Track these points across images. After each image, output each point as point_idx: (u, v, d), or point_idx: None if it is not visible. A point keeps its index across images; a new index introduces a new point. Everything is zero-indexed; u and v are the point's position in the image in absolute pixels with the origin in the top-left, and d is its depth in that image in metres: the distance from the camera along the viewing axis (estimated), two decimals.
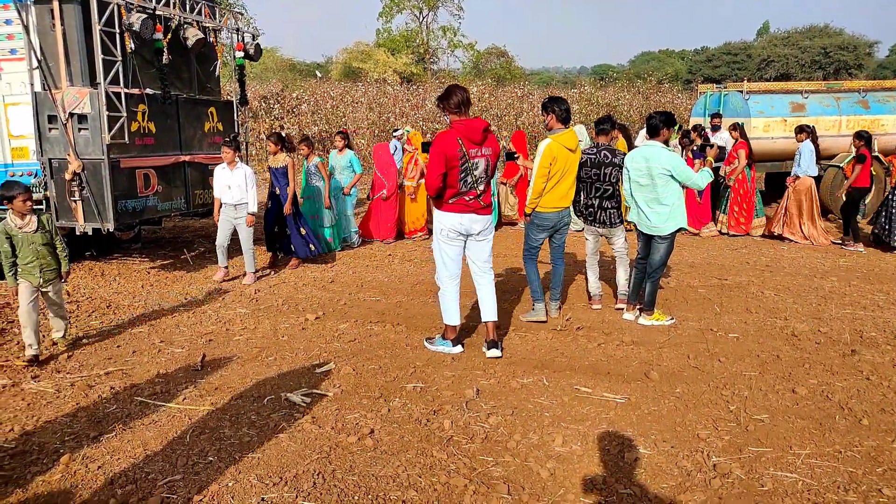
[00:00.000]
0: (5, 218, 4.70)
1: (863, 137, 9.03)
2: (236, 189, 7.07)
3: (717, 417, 3.86)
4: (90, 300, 6.43)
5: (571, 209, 5.87)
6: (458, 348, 4.94)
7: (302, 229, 7.81)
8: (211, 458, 3.36)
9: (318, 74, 31.40)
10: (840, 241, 9.19)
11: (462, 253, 4.93)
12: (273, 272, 7.72)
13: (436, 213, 4.87)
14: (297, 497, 3.01)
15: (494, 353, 4.81)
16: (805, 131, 9.25)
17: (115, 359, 4.86)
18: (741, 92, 11.63)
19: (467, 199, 4.71)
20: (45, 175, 6.89)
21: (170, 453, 3.42)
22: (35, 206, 7.66)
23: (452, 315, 4.95)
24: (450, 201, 4.71)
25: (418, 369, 4.60)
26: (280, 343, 5.20)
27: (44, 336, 5.12)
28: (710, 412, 3.93)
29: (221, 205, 7.19)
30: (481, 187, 4.73)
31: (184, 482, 3.14)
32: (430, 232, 9.45)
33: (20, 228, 4.68)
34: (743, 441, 3.57)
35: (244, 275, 7.33)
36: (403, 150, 9.92)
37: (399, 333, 5.42)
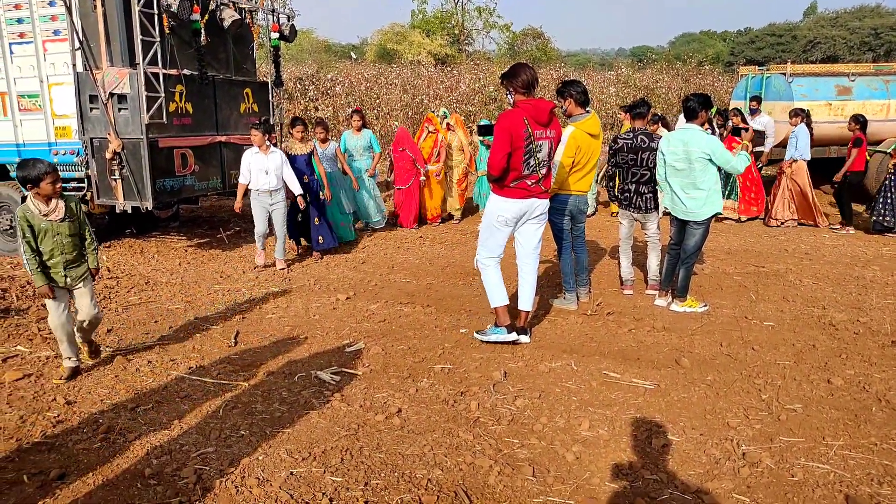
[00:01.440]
0: (25, 201, 3.95)
1: (859, 121, 8.95)
2: (273, 174, 6.83)
3: (748, 406, 3.80)
4: (129, 276, 6.60)
5: (605, 193, 5.80)
6: (514, 335, 4.71)
7: (316, 219, 7.54)
8: (243, 432, 3.44)
9: (353, 56, 31.40)
10: (837, 227, 9.12)
11: (509, 237, 4.80)
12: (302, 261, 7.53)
13: (493, 196, 4.66)
14: (324, 472, 3.07)
15: (524, 338, 4.78)
16: (799, 115, 9.10)
17: (152, 333, 5.00)
18: (784, 74, 11.28)
19: (529, 182, 4.53)
20: (86, 154, 7.07)
21: (203, 426, 3.51)
22: (71, 190, 7.72)
23: (500, 294, 4.76)
24: (511, 185, 4.53)
25: (447, 351, 4.63)
26: (311, 322, 5.28)
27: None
28: (742, 400, 3.87)
29: (251, 191, 6.92)
30: (543, 171, 4.56)
31: (216, 454, 3.22)
32: (447, 219, 9.57)
33: (44, 216, 3.90)
34: (774, 430, 3.51)
35: (274, 263, 7.17)
36: (427, 131, 9.51)
37: (429, 315, 5.45)
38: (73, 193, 4.10)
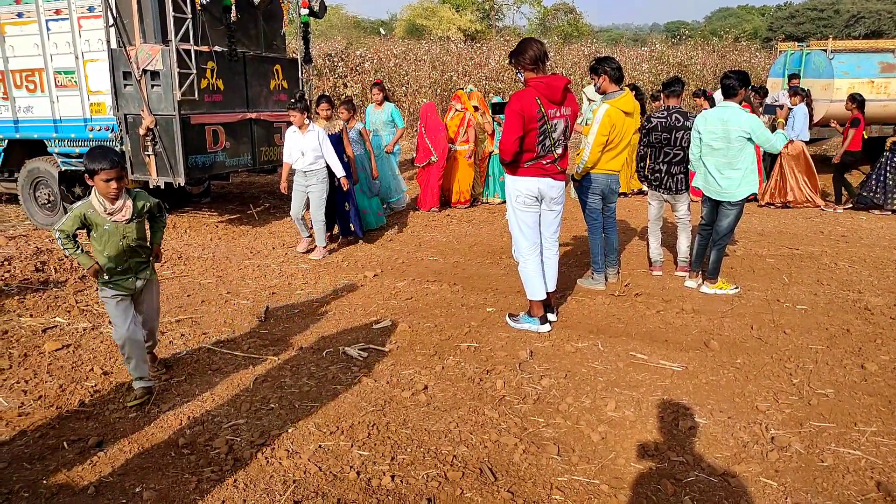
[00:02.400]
0: (88, 197, 3.41)
1: (856, 100, 8.80)
2: (310, 154, 6.50)
3: (778, 390, 3.75)
4: (163, 251, 6.71)
5: (636, 174, 5.71)
6: (547, 326, 4.63)
7: (346, 205, 7.14)
8: (272, 405, 3.52)
9: (383, 32, 31.24)
10: (832, 208, 9.03)
11: (539, 220, 4.64)
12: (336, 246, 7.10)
13: (509, 178, 4.55)
14: (352, 446, 3.12)
15: (550, 317, 4.74)
16: (799, 94, 8.83)
17: (185, 307, 5.11)
18: (825, 51, 10.93)
19: (544, 163, 4.39)
20: (120, 130, 7.18)
21: (234, 398, 3.59)
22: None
23: (538, 289, 4.63)
24: (525, 165, 4.38)
25: (473, 329, 4.65)
26: (339, 298, 5.33)
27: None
28: (772, 384, 3.82)
29: (296, 172, 6.66)
30: (559, 151, 4.40)
31: (247, 426, 3.30)
32: (474, 203, 9.30)
33: (109, 215, 3.38)
34: (804, 415, 3.47)
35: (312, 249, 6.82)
36: (454, 110, 9.13)
37: (455, 293, 5.46)
38: (138, 189, 3.50)
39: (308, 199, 6.67)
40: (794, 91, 9.05)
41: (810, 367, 4.06)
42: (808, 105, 8.99)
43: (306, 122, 6.52)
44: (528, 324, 4.66)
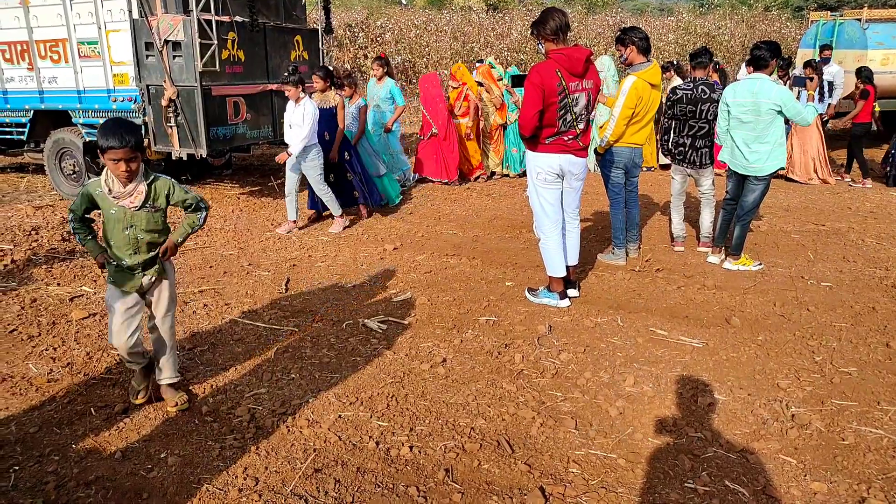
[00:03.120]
0: (100, 177, 2.97)
1: (862, 74, 8.82)
2: (297, 128, 6.27)
3: (799, 368, 3.72)
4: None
5: (659, 148, 5.62)
6: (566, 301, 4.60)
7: (348, 174, 6.93)
8: (293, 376, 3.57)
9: (403, 1, 30.86)
10: (850, 181, 8.95)
11: (561, 196, 4.56)
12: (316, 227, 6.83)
13: (529, 155, 4.46)
14: (371, 417, 3.16)
15: (572, 292, 4.70)
16: (811, 66, 8.64)
17: (207, 278, 5.17)
18: (859, 20, 10.59)
19: (566, 139, 4.28)
20: (143, 101, 7.21)
21: (256, 368, 3.65)
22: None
23: (558, 266, 4.58)
24: (546, 141, 4.28)
25: (492, 303, 4.65)
26: (359, 271, 5.36)
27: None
28: (793, 362, 3.79)
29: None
30: (581, 126, 4.29)
31: (268, 395, 3.36)
32: (492, 175, 9.21)
33: (116, 199, 2.92)
34: (826, 393, 3.44)
35: (330, 222, 6.76)
36: (450, 87, 9.03)
37: (474, 267, 5.46)
38: (160, 176, 3.05)
39: (303, 174, 6.50)
40: (807, 64, 8.85)
41: (833, 344, 4.01)
42: (820, 77, 8.83)
43: (302, 94, 6.28)
44: (547, 298, 4.64)
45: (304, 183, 6.64)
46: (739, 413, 3.24)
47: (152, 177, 3.01)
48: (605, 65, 9.41)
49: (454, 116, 8.82)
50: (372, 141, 7.79)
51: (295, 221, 6.64)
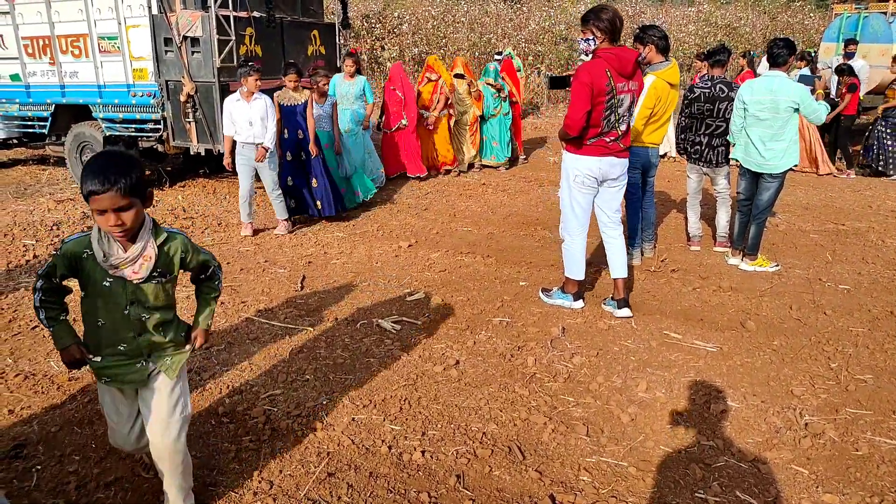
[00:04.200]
0: (90, 233, 2.18)
1: (844, 72, 9.07)
2: (259, 123, 5.97)
3: (815, 374, 3.70)
4: (203, 217, 6.87)
5: (674, 146, 5.58)
6: (580, 303, 4.57)
7: (314, 181, 6.52)
8: (308, 377, 3.61)
9: None
10: (841, 173, 9.13)
11: (593, 201, 4.47)
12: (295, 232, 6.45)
13: (568, 156, 4.33)
14: (384, 420, 3.20)
15: (625, 312, 4.41)
16: (805, 59, 8.59)
17: (225, 275, 5.20)
18: (884, 14, 10.38)
19: (608, 140, 4.16)
20: (162, 96, 7.28)
21: (271, 369, 3.70)
22: (148, 131, 7.29)
23: (579, 269, 4.52)
24: (588, 142, 4.16)
25: (506, 303, 4.66)
26: (374, 269, 5.40)
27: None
28: (808, 368, 3.77)
29: (239, 144, 6.08)
30: (623, 127, 4.19)
31: (283, 396, 3.41)
32: (461, 165, 9.16)
33: (113, 268, 2.16)
34: (840, 401, 3.42)
35: (275, 226, 6.45)
36: (427, 79, 8.78)
37: (489, 266, 5.47)
38: (172, 230, 2.31)
39: (258, 174, 6.20)
40: (801, 56, 8.88)
41: (850, 350, 3.98)
42: (813, 71, 8.79)
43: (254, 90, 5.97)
44: (560, 299, 4.63)
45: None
46: (752, 421, 3.24)
47: (164, 235, 2.24)
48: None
49: (425, 110, 8.71)
50: (349, 141, 7.58)
51: (251, 223, 6.35)
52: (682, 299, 4.78)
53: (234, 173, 6.23)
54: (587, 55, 4.17)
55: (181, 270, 2.34)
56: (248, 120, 5.97)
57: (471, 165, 9.36)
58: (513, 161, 9.85)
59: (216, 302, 2.59)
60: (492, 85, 9.23)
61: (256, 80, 5.93)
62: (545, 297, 4.71)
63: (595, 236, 4.83)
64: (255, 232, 6.36)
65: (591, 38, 4.08)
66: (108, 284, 2.17)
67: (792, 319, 4.44)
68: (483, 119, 9.25)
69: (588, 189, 4.35)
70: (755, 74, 9.41)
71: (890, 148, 8.79)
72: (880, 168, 8.90)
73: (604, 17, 4.01)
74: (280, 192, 6.31)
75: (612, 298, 4.53)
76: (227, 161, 6.30)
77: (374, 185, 7.67)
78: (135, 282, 2.19)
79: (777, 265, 5.39)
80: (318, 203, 6.56)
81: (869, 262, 5.55)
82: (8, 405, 3.32)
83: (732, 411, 3.32)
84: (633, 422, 3.22)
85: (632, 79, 4.14)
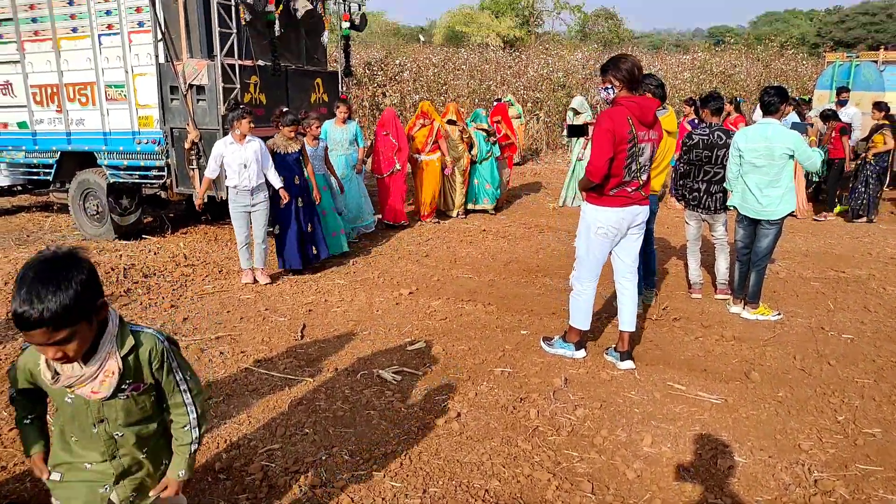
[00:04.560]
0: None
1: (830, 117, 9.29)
2: (253, 165, 5.90)
3: (822, 427, 3.64)
4: (205, 264, 6.87)
5: (672, 192, 5.62)
6: (582, 352, 4.53)
7: (309, 227, 6.50)
8: (307, 430, 3.55)
9: (422, 39, 31.45)
10: (822, 217, 9.35)
11: (610, 250, 4.42)
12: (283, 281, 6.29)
13: (589, 207, 4.27)
14: (384, 477, 3.14)
15: (628, 364, 4.36)
16: (792, 104, 8.97)
17: (224, 324, 5.20)
18: (875, 62, 10.60)
19: (629, 189, 4.13)
20: (167, 143, 7.37)
21: (270, 422, 3.65)
22: (153, 178, 7.23)
23: (585, 319, 4.47)
24: (611, 192, 4.12)
25: (507, 353, 4.63)
26: (374, 317, 5.37)
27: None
28: (815, 421, 3.71)
29: (233, 191, 6.00)
30: (644, 177, 4.18)
31: (281, 451, 3.34)
32: (440, 216, 9.19)
33: (66, 387, 1.85)
34: (849, 456, 3.36)
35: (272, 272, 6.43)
36: (419, 125, 8.85)
37: (490, 314, 5.45)
38: (144, 330, 1.97)
39: (251, 219, 6.13)
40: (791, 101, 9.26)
41: (856, 402, 3.93)
42: (800, 114, 9.03)
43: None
44: (562, 349, 4.58)
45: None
46: (760, 477, 3.18)
47: (131, 342, 1.88)
48: (582, 105, 9.76)
49: (418, 154, 8.77)
50: (351, 185, 7.79)
51: (252, 269, 6.28)
52: (685, 349, 4.75)
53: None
54: (607, 104, 4.20)
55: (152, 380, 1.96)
56: (243, 162, 5.89)
57: (467, 211, 9.47)
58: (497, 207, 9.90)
59: (194, 449, 2.04)
60: (483, 129, 9.36)
61: (249, 122, 5.93)
62: (546, 346, 4.67)
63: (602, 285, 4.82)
64: (255, 279, 6.35)
65: (609, 87, 4.11)
66: (69, 401, 1.88)
67: (796, 370, 4.39)
68: (473, 163, 9.34)
69: (606, 240, 4.30)
70: (744, 118, 9.64)
71: (873, 192, 9.03)
72: (861, 212, 9.11)
73: (622, 67, 4.03)
74: (266, 242, 6.24)
75: (616, 349, 4.49)
76: (199, 202, 6.27)
77: (362, 228, 7.95)
78: (97, 399, 1.86)
79: (779, 314, 5.37)
80: (314, 249, 6.55)
81: (871, 311, 5.53)
82: (1, 461, 3.26)
83: (740, 467, 3.26)
84: (640, 478, 3.16)
85: (652, 128, 4.16)
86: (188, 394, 2.02)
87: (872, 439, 3.52)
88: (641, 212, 4.28)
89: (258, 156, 5.95)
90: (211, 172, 6.09)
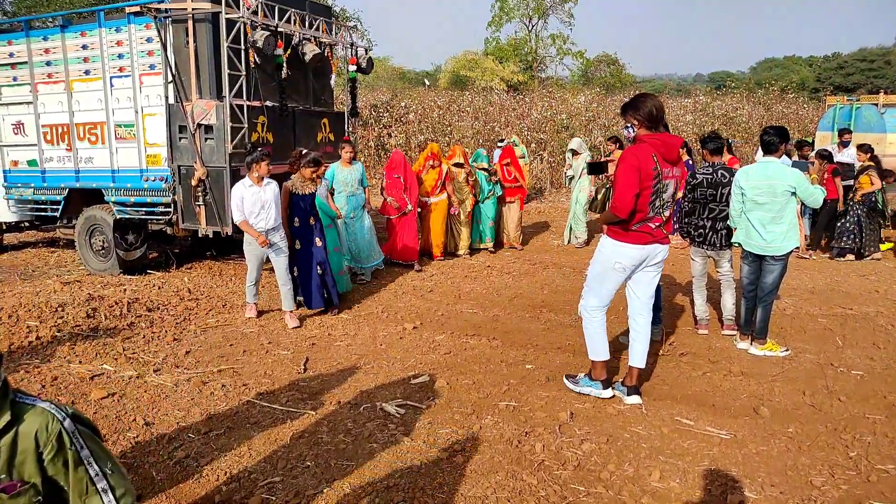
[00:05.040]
0: None
1: (825, 158, 9.36)
2: (272, 207, 5.93)
3: (833, 463, 3.56)
4: (209, 298, 6.87)
5: (677, 229, 5.63)
6: (609, 391, 4.37)
7: (319, 269, 6.33)
8: (308, 463, 3.50)
9: (427, 83, 32.04)
10: (805, 256, 9.30)
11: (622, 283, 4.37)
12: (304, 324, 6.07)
13: (609, 242, 4.24)
14: None
15: (635, 399, 4.31)
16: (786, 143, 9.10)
17: (227, 357, 5.17)
18: (876, 105, 10.73)
19: (652, 226, 4.11)
20: (174, 181, 7.46)
21: (271, 454, 3.59)
22: (159, 214, 7.29)
23: (602, 348, 4.38)
24: (633, 228, 4.11)
25: (512, 387, 4.57)
26: (378, 351, 5.33)
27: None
28: (827, 457, 3.64)
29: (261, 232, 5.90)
30: (667, 213, 4.15)
31: (282, 485, 3.28)
32: (448, 255, 9.05)
33: None
34: (863, 493, 3.28)
35: (279, 307, 6.26)
36: (429, 166, 8.81)
37: (494, 348, 5.40)
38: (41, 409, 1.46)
39: (268, 259, 6.07)
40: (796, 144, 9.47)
41: (868, 438, 3.85)
42: (790, 155, 9.18)
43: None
44: (589, 388, 4.41)
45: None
46: None
47: (7, 416, 1.41)
48: (581, 147, 9.92)
49: (427, 197, 8.75)
50: (356, 226, 7.75)
51: (256, 304, 6.30)
52: (692, 384, 4.68)
53: (243, 255, 6.22)
54: (629, 141, 4.22)
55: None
56: (262, 204, 5.87)
57: (471, 251, 9.38)
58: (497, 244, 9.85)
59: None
60: (484, 169, 9.43)
61: (268, 164, 5.97)
62: (571, 384, 4.50)
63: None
64: (260, 314, 6.31)
65: (629, 126, 4.16)
66: None
67: (806, 406, 4.32)
68: (477, 203, 9.37)
69: (621, 275, 4.27)
70: (737, 160, 9.74)
71: (867, 229, 9.09)
72: (861, 250, 9.12)
73: (641, 107, 4.06)
74: (290, 282, 6.08)
75: (623, 384, 4.42)
76: (262, 240, 5.87)
77: (367, 269, 7.79)
78: None
79: (787, 350, 5.31)
80: (327, 293, 6.40)
81: (880, 348, 5.47)
82: None
83: (750, 503, 3.18)
84: None
85: (675, 165, 4.15)
86: (109, 495, 1.46)
87: (886, 475, 3.44)
88: (662, 250, 4.23)
89: (276, 197, 5.97)
90: (239, 216, 5.90)
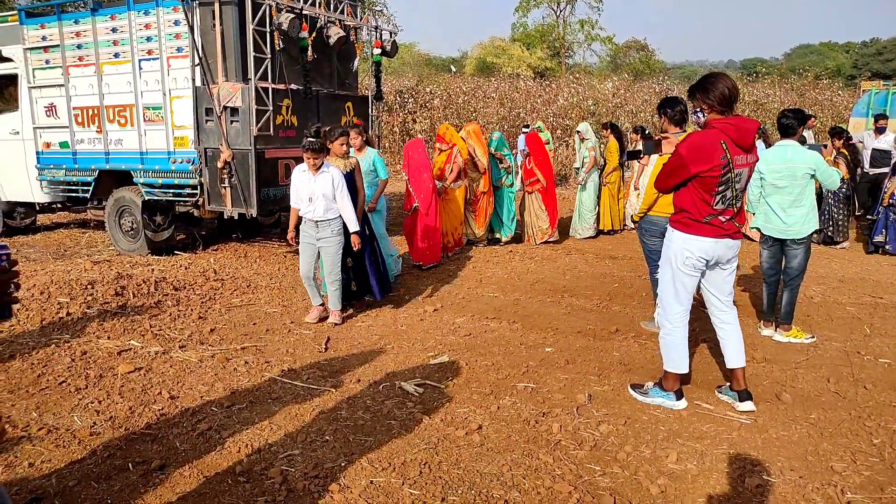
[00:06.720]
0: None
1: (834, 134, 9.31)
2: (320, 200, 5.34)
3: (856, 450, 3.51)
4: (233, 279, 6.98)
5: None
6: (683, 403, 3.99)
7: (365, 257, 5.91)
8: (327, 438, 3.55)
9: (453, 69, 31.91)
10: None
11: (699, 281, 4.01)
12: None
13: (677, 236, 3.87)
14: (403, 484, 3.11)
15: (748, 405, 3.94)
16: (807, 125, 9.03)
17: (250, 335, 5.26)
18: None
19: (722, 219, 3.73)
20: (200, 163, 7.57)
21: (291, 429, 3.65)
22: (186, 196, 7.79)
23: (682, 361, 4.01)
24: (703, 220, 3.75)
25: (531, 369, 4.58)
26: (398, 332, 5.37)
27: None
28: (849, 443, 3.58)
29: (301, 219, 5.55)
30: (739, 204, 3.78)
31: (301, 457, 3.34)
32: (468, 244, 8.65)
33: None
34: (886, 479, 3.23)
35: (326, 315, 5.72)
36: (438, 150, 8.42)
37: (514, 332, 5.41)
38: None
39: (319, 253, 5.55)
40: (833, 132, 9.48)
41: (893, 426, 3.78)
42: (766, 143, 8.79)
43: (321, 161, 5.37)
44: (660, 398, 4.03)
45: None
46: (790, 497, 3.07)
47: None
48: (587, 132, 9.70)
49: (444, 184, 8.20)
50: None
51: (322, 305, 5.76)
52: (713, 369, 4.64)
53: (267, 237, 6.33)
54: (699, 127, 3.87)
55: None
56: (309, 195, 5.35)
57: (477, 241, 8.95)
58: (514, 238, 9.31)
59: None
60: (494, 155, 8.87)
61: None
62: (639, 395, 4.13)
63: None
64: (321, 319, 5.69)
65: (699, 110, 3.80)
66: None
67: (829, 392, 4.26)
68: (497, 188, 8.87)
69: (696, 272, 3.91)
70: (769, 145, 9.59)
71: (838, 216, 9.08)
72: (829, 234, 9.13)
73: (711, 89, 3.68)
74: (339, 280, 5.59)
75: (732, 389, 4.07)
76: (290, 236, 5.61)
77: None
78: None
79: (812, 336, 5.24)
80: (372, 284, 5.98)
81: None
82: (29, 458, 3.32)
83: (769, 486, 3.15)
84: (663, 494, 3.07)
85: (750, 152, 3.75)
86: None
87: None
88: (734, 245, 3.88)
89: (326, 191, 5.33)
90: (293, 202, 5.53)
